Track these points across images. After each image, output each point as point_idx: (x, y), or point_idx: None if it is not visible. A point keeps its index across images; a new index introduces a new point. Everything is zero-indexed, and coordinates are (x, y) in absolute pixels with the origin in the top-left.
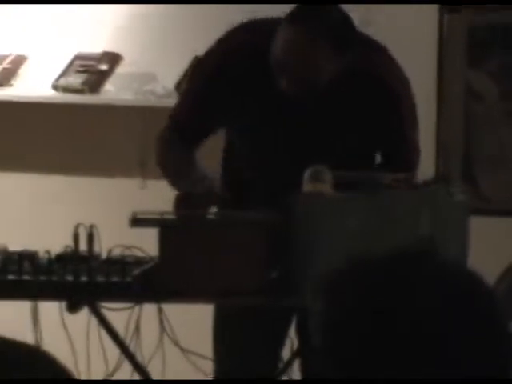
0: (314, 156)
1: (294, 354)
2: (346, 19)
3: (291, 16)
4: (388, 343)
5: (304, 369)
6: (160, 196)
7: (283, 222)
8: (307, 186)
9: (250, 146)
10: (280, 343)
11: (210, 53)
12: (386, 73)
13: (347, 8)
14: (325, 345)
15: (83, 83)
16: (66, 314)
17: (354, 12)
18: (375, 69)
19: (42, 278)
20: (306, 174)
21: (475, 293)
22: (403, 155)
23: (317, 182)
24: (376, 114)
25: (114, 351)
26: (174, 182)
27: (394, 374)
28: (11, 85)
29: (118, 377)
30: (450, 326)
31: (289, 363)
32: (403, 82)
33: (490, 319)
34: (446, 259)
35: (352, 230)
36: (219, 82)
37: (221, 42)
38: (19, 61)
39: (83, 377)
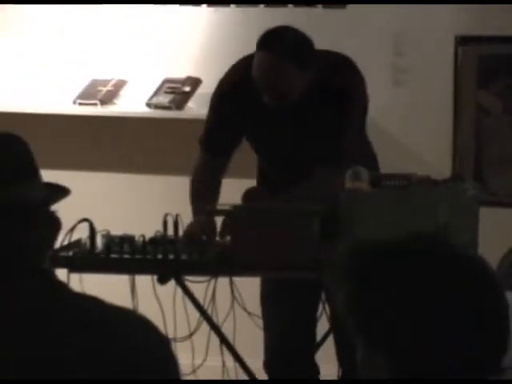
0: (298, 149)
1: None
2: (305, 40)
3: (259, 42)
4: (405, 314)
5: (336, 337)
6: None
7: (331, 212)
8: (349, 184)
9: (259, 147)
10: (315, 310)
11: (217, 86)
12: (343, 78)
13: (380, 41)
14: (351, 317)
15: (170, 102)
16: (157, 286)
17: (387, 45)
18: (334, 76)
19: (138, 256)
20: (348, 174)
21: (477, 271)
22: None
23: (356, 180)
24: (333, 113)
25: (194, 315)
26: (193, 204)
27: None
28: (114, 103)
29: (198, 335)
30: (456, 299)
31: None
32: (357, 84)
33: (489, 294)
34: (454, 243)
35: (384, 219)
36: (226, 106)
37: (224, 76)
38: (120, 84)
39: (170, 335)
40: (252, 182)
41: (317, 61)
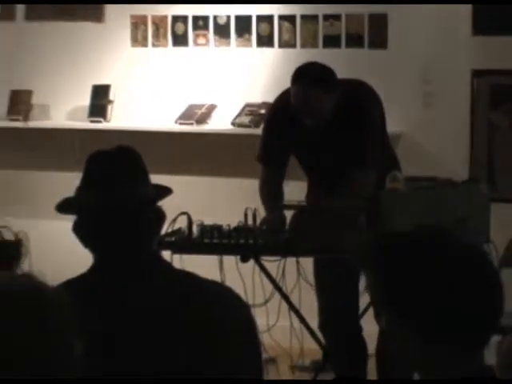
0: (333, 160)
1: None
2: (328, 71)
3: (293, 76)
4: (422, 291)
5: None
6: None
7: (373, 208)
8: (388, 185)
9: (302, 160)
10: (358, 284)
11: (266, 113)
12: (362, 99)
13: (412, 72)
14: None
15: (250, 121)
16: (240, 264)
17: (418, 75)
18: (356, 98)
19: (225, 241)
20: (387, 178)
21: (477, 256)
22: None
23: (394, 182)
24: (355, 127)
25: (268, 287)
26: (263, 205)
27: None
28: (207, 123)
29: (271, 303)
30: (460, 278)
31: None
32: (377, 104)
33: (485, 274)
34: (458, 234)
35: (415, 213)
36: (274, 128)
37: (271, 105)
38: (211, 108)
39: (250, 302)
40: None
41: (340, 87)
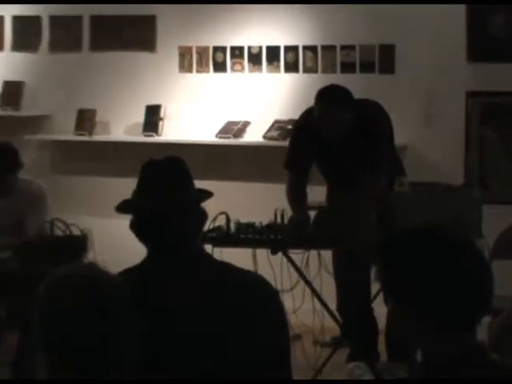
0: (349, 168)
1: None
2: (347, 92)
3: (317, 96)
4: (421, 279)
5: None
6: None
7: (383, 208)
8: (396, 189)
9: (323, 169)
10: (369, 273)
11: (292, 127)
12: (376, 116)
13: (417, 95)
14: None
15: (278, 135)
16: (270, 256)
17: (421, 97)
18: (368, 115)
19: (257, 236)
20: (395, 183)
21: (470, 249)
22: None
23: (401, 186)
24: (367, 140)
25: (294, 275)
26: (290, 205)
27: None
28: (242, 137)
29: (297, 288)
30: (456, 266)
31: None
32: (387, 121)
33: (478, 263)
34: (456, 230)
35: (419, 212)
36: (299, 140)
37: (296, 120)
38: (246, 123)
39: (279, 288)
40: (278, 187)
41: (355, 106)
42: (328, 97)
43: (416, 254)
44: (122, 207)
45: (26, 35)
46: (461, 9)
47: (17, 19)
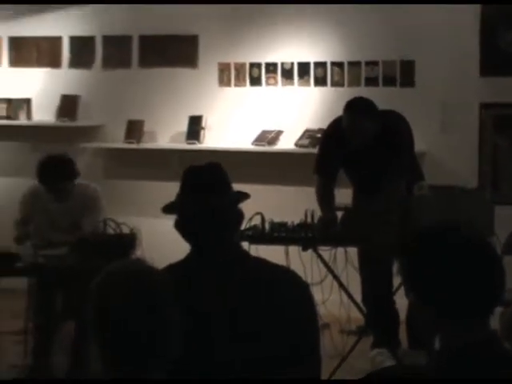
0: (373, 173)
1: None
2: (372, 103)
3: (345, 106)
4: (440, 276)
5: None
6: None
7: (404, 209)
8: (416, 191)
9: (350, 174)
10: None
11: (321, 135)
12: (398, 125)
13: (435, 106)
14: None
15: (309, 143)
16: (301, 252)
17: (437, 108)
18: (391, 124)
19: (290, 235)
20: (415, 187)
21: (483, 247)
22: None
23: (420, 190)
24: (390, 147)
25: (323, 270)
26: (319, 207)
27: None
28: (276, 144)
29: (326, 282)
30: (470, 264)
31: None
32: (407, 130)
33: (490, 260)
34: (470, 230)
35: (437, 212)
36: (327, 147)
37: (325, 129)
38: (279, 132)
39: (309, 281)
40: (309, 190)
41: (379, 116)
42: (354, 107)
43: (434, 251)
44: (168, 208)
45: (81, 54)
46: (475, 26)
47: (73, 39)
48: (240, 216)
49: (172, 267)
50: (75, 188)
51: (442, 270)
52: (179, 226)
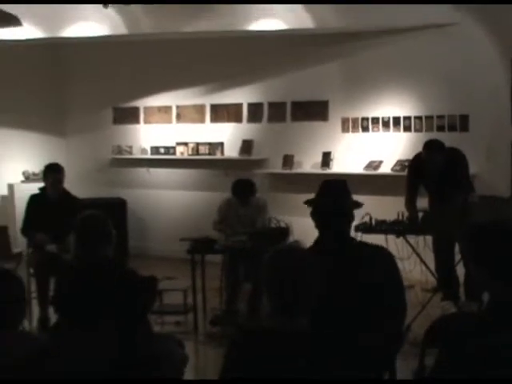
0: (442, 188)
1: None
2: (441, 142)
3: (424, 146)
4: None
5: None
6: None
7: (463, 212)
8: (470, 200)
9: (426, 186)
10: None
11: (409, 164)
12: (458, 156)
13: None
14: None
15: (400, 168)
16: (395, 239)
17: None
18: (454, 155)
19: (388, 227)
20: (469, 196)
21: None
22: (465, 183)
23: (473, 198)
24: (454, 171)
25: (409, 250)
26: (407, 210)
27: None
28: (378, 169)
29: (411, 258)
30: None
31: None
32: (464, 159)
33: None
34: None
35: (485, 214)
36: (413, 172)
37: (411, 159)
38: (381, 162)
39: (400, 256)
40: (400, 199)
41: (446, 151)
42: (430, 146)
43: (487, 235)
44: (308, 202)
45: (254, 113)
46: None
47: (250, 105)
48: (352, 217)
49: (308, 249)
50: (253, 199)
51: (494, 249)
52: (313, 215)
